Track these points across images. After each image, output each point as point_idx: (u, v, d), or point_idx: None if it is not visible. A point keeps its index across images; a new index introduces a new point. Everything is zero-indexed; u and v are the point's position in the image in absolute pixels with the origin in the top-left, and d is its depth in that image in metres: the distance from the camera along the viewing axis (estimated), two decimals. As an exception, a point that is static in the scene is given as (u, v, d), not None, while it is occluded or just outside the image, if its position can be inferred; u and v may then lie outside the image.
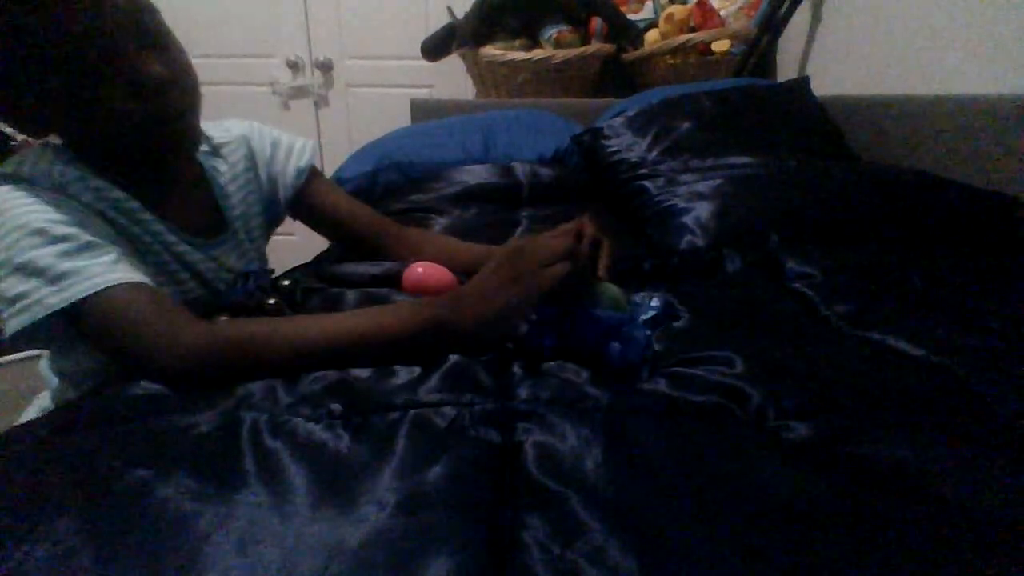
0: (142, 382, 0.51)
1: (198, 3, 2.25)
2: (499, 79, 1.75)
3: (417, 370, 0.50)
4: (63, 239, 0.53)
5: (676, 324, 0.62)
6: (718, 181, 0.94)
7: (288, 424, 0.43)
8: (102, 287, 0.52)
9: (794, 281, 0.71)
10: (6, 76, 0.55)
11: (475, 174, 1.25)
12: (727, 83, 1.46)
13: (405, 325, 0.53)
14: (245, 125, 0.81)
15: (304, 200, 0.83)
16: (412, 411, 0.44)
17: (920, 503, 0.34)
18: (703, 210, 0.88)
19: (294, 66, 2.35)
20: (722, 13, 1.69)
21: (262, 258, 0.82)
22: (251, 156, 0.79)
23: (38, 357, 0.69)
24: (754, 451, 0.40)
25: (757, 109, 1.23)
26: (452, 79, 2.19)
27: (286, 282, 0.69)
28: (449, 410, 0.44)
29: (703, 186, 0.94)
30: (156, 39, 0.59)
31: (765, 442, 0.41)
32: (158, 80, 0.57)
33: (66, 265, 0.52)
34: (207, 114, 0.67)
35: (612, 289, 0.57)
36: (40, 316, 0.51)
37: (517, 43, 1.72)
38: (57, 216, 0.54)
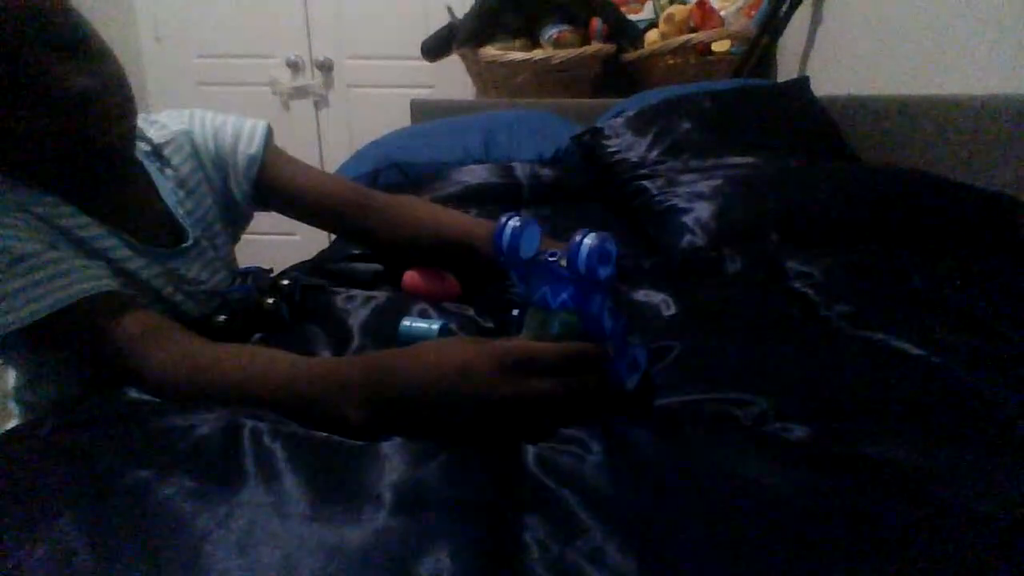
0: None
1: (198, 3, 2.25)
2: (499, 79, 1.75)
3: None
4: None
5: (675, 322, 0.62)
6: (718, 181, 0.94)
7: (288, 424, 0.43)
8: (52, 309, 0.49)
9: (794, 281, 0.71)
10: None
11: (475, 174, 1.25)
12: (727, 83, 1.46)
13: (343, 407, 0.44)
14: (184, 116, 0.71)
15: (265, 188, 0.73)
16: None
17: (920, 503, 0.34)
18: (703, 210, 0.88)
19: (294, 66, 2.35)
20: (722, 13, 1.69)
21: (230, 265, 0.75)
22: (196, 153, 0.70)
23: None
24: (754, 453, 0.40)
25: (757, 109, 1.23)
26: (452, 79, 2.19)
27: (285, 281, 0.69)
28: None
29: (703, 186, 0.94)
30: (76, 45, 0.51)
31: (765, 444, 0.41)
32: (78, 92, 0.50)
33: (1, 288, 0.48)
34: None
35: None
36: None
37: (517, 43, 1.72)
38: None
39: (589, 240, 0.42)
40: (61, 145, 0.51)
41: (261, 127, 0.74)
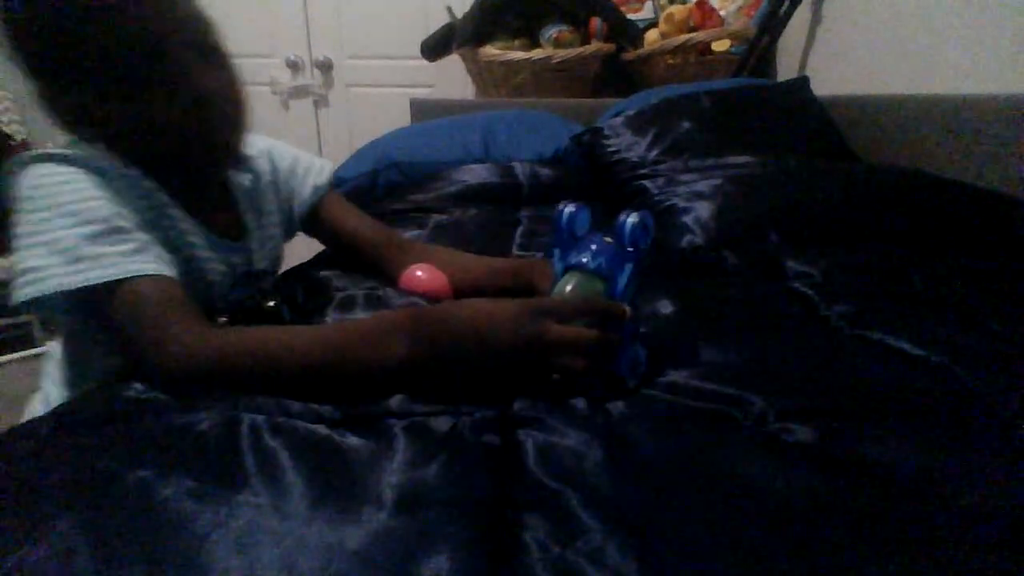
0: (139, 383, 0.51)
1: (197, 3, 2.24)
2: (499, 79, 1.75)
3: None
4: (93, 221, 0.53)
5: (675, 322, 0.62)
6: (718, 181, 0.94)
7: (288, 424, 0.43)
8: (118, 277, 0.52)
9: (794, 281, 0.71)
10: (60, 70, 0.55)
11: (475, 174, 1.25)
12: (727, 83, 1.46)
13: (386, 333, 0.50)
14: (268, 141, 0.82)
15: (318, 218, 0.85)
16: (410, 419, 0.44)
17: (920, 503, 0.34)
18: (703, 210, 0.88)
19: (294, 66, 2.35)
20: (722, 13, 1.69)
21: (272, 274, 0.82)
22: (274, 170, 0.81)
23: (37, 357, 0.69)
24: (754, 453, 0.40)
25: (757, 109, 1.23)
26: (452, 79, 2.19)
27: (287, 283, 0.69)
28: (447, 419, 0.44)
29: (703, 186, 0.94)
30: (211, 50, 0.60)
31: (765, 444, 0.41)
32: (210, 95, 0.58)
33: (88, 249, 0.52)
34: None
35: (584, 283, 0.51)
36: (48, 291, 0.51)
37: (517, 43, 1.72)
38: (93, 197, 0.54)
39: (632, 217, 0.50)
40: (181, 139, 0.59)
41: (328, 166, 0.87)
